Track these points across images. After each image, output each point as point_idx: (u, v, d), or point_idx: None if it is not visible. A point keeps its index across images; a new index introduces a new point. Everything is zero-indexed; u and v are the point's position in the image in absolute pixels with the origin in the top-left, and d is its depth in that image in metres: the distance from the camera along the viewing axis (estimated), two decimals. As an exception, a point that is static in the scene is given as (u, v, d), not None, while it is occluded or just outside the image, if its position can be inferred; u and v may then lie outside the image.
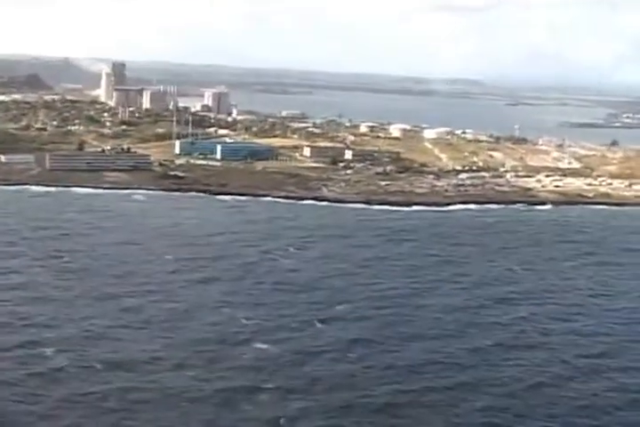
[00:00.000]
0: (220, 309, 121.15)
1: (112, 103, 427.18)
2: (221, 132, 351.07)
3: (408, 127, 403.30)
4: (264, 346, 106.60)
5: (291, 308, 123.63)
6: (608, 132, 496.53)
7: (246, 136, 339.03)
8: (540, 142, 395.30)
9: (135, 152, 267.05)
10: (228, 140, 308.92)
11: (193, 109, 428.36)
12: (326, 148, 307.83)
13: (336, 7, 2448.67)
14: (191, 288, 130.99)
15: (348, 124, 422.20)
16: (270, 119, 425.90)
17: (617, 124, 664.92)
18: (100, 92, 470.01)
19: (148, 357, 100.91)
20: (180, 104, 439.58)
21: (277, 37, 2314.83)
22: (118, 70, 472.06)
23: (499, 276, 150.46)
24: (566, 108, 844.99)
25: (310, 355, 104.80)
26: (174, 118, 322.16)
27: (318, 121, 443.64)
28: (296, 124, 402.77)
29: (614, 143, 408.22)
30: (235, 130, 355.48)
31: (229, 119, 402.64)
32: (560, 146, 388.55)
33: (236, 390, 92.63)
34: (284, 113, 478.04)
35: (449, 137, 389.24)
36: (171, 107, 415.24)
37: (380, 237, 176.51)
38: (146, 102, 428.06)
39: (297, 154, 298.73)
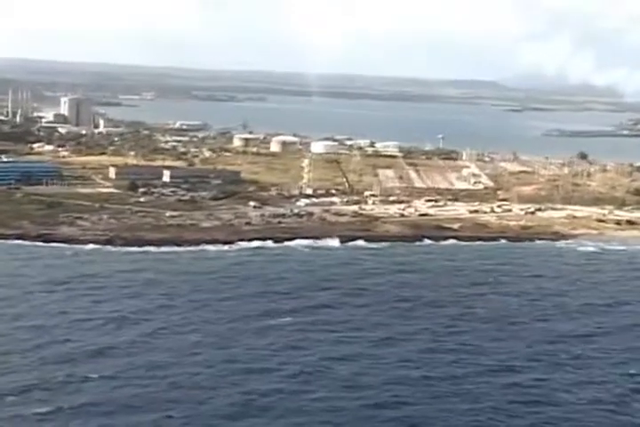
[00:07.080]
0: None
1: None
2: (47, 148, 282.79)
3: (294, 139, 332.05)
4: None
5: None
6: (598, 142, 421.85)
7: (65, 154, 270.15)
8: (464, 156, 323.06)
9: None
10: (4, 158, 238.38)
11: (44, 120, 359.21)
12: (138, 167, 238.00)
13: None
14: None
15: (244, 136, 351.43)
16: (148, 131, 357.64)
17: (623, 133, 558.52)
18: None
19: None
20: (38, 113, 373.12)
21: (242, 37, 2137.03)
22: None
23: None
24: (580, 114, 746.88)
25: None
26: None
27: (211, 133, 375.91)
28: (166, 138, 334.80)
29: (582, 156, 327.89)
30: (61, 146, 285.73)
31: (83, 132, 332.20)
32: (490, 161, 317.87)
33: None
34: (178, 124, 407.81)
35: (346, 151, 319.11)
36: (18, 118, 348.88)
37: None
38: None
39: (100, 176, 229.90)
